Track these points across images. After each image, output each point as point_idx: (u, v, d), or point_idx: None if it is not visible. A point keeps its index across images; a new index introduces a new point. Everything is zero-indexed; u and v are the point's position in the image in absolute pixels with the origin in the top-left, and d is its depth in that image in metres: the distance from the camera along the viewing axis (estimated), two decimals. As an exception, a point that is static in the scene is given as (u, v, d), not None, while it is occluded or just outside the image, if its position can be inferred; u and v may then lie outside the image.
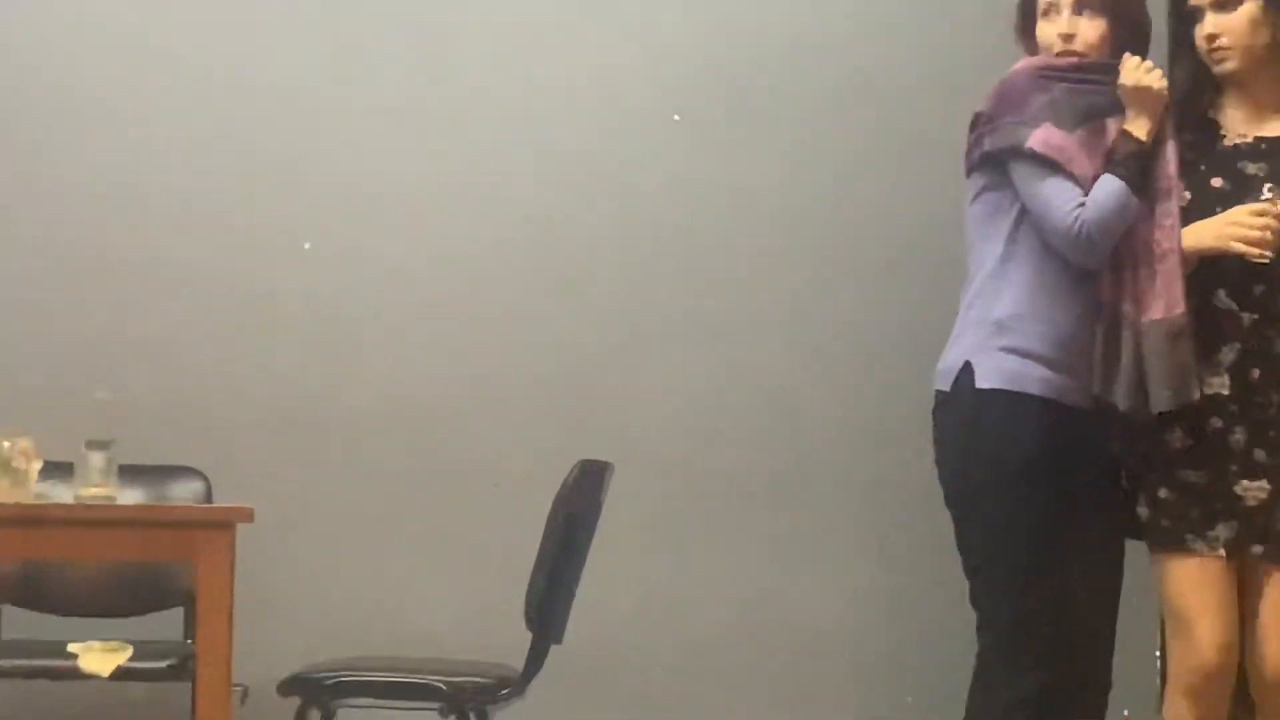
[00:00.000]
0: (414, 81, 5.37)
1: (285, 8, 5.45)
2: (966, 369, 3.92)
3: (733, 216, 5.33)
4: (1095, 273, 3.92)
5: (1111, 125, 3.89)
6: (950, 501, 4.01)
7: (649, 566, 5.22)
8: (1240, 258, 3.81)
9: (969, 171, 4.03)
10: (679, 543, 5.26)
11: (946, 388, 3.96)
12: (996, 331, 3.90)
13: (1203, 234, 3.84)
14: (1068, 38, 3.90)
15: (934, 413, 4.06)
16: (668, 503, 5.23)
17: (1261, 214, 3.76)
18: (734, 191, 5.33)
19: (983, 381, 3.88)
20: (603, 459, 4.17)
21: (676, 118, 5.32)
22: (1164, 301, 3.84)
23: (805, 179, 5.34)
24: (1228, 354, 3.84)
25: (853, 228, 5.35)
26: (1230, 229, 3.79)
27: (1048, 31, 3.94)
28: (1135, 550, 4.15)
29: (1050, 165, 3.85)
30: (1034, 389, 3.87)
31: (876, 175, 5.33)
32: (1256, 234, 3.74)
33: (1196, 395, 3.80)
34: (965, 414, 3.94)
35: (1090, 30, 3.93)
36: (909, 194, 5.19)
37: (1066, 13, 3.91)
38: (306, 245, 5.19)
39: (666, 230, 5.31)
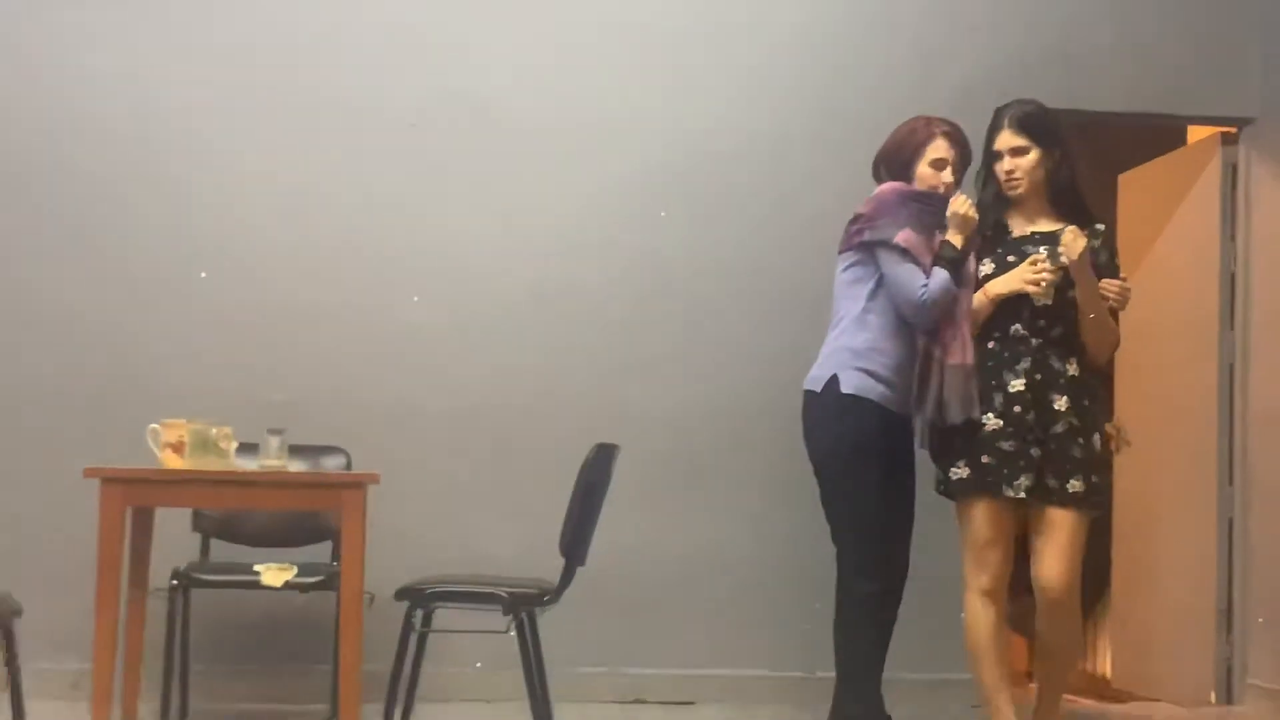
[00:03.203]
0: (484, 183, 5.52)
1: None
2: (834, 379, 4.26)
3: (689, 280, 5.59)
4: (915, 327, 4.25)
5: (939, 236, 4.25)
6: (817, 469, 4.34)
7: (640, 516, 5.39)
8: (1030, 298, 4.14)
9: (843, 250, 4.37)
10: (657, 499, 5.47)
11: (818, 389, 4.28)
12: (854, 357, 4.25)
13: (1010, 280, 4.17)
14: (949, 185, 4.30)
15: (805, 407, 4.35)
16: (652, 473, 5.43)
17: (1035, 265, 4.12)
18: (698, 263, 5.60)
19: (845, 388, 4.23)
20: (611, 443, 4.34)
21: (663, 213, 5.60)
22: (960, 352, 4.18)
23: (742, 257, 5.60)
24: (1023, 365, 4.17)
25: (765, 292, 5.58)
26: (1021, 273, 4.15)
27: (933, 177, 4.30)
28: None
29: (907, 255, 4.21)
30: (875, 398, 4.25)
31: (787, 252, 5.55)
32: (1034, 277, 4.11)
33: (977, 414, 4.14)
34: (831, 409, 4.27)
35: (954, 179, 4.36)
36: (805, 268, 5.36)
37: (948, 171, 4.31)
38: (415, 299, 5.45)
39: (648, 288, 5.57)
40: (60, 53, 5.32)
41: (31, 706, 4.26)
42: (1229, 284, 5.82)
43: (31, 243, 5.29)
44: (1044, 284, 4.10)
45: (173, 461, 3.75)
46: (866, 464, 4.24)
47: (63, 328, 5.28)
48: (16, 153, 5.30)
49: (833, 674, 4.39)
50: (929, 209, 4.27)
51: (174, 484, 3.64)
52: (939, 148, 4.28)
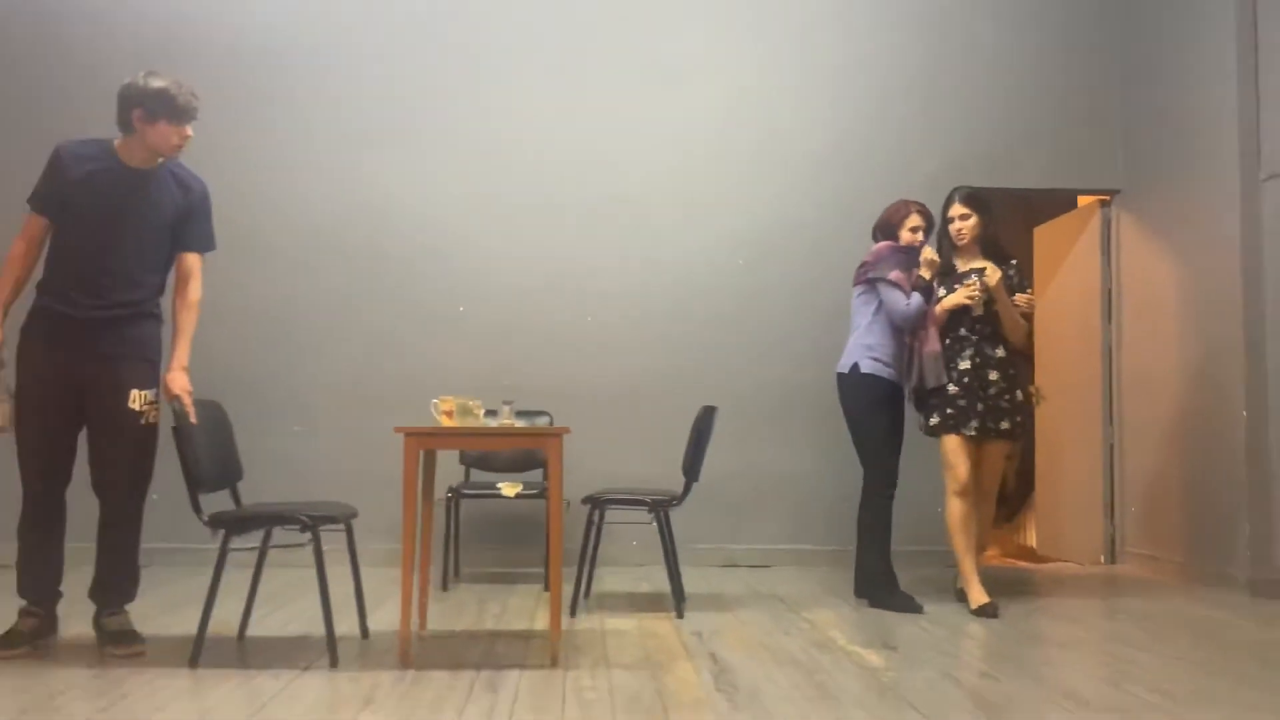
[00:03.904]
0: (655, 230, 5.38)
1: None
2: (855, 365, 4.18)
3: (758, 302, 5.40)
4: (903, 330, 4.18)
5: (914, 273, 4.18)
6: (849, 420, 4.24)
7: (732, 450, 5.34)
8: (970, 310, 4.08)
9: (856, 283, 4.28)
10: (742, 439, 5.37)
11: (846, 370, 4.20)
12: (868, 350, 4.17)
13: (954, 298, 4.10)
14: (921, 242, 4.17)
15: (838, 382, 4.24)
16: (736, 423, 5.36)
17: (970, 287, 4.06)
18: (762, 292, 5.44)
19: (863, 370, 4.15)
20: (713, 405, 4.36)
21: (741, 261, 5.47)
22: (931, 344, 4.13)
23: (790, 287, 5.43)
24: (967, 352, 4.12)
25: (808, 309, 5.41)
26: (962, 291, 4.08)
27: (911, 237, 4.17)
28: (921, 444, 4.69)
29: (897, 286, 4.13)
30: (884, 375, 4.17)
31: (820, 284, 5.40)
32: (968, 293, 4.04)
33: (945, 382, 4.10)
34: (855, 383, 4.18)
35: (924, 238, 4.20)
36: (832, 294, 5.29)
37: (920, 233, 4.18)
38: (589, 318, 5.34)
39: (731, 308, 5.41)
40: (374, 179, 5.27)
41: (365, 571, 4.46)
42: (1107, 295, 5.63)
43: (364, 296, 5.23)
44: (976, 298, 4.03)
45: (446, 422, 3.47)
46: (879, 417, 4.13)
47: (381, 344, 5.22)
48: (352, 244, 5.24)
49: (855, 547, 4.34)
50: (908, 257, 4.21)
51: (447, 435, 3.27)
52: (914, 219, 4.18)
